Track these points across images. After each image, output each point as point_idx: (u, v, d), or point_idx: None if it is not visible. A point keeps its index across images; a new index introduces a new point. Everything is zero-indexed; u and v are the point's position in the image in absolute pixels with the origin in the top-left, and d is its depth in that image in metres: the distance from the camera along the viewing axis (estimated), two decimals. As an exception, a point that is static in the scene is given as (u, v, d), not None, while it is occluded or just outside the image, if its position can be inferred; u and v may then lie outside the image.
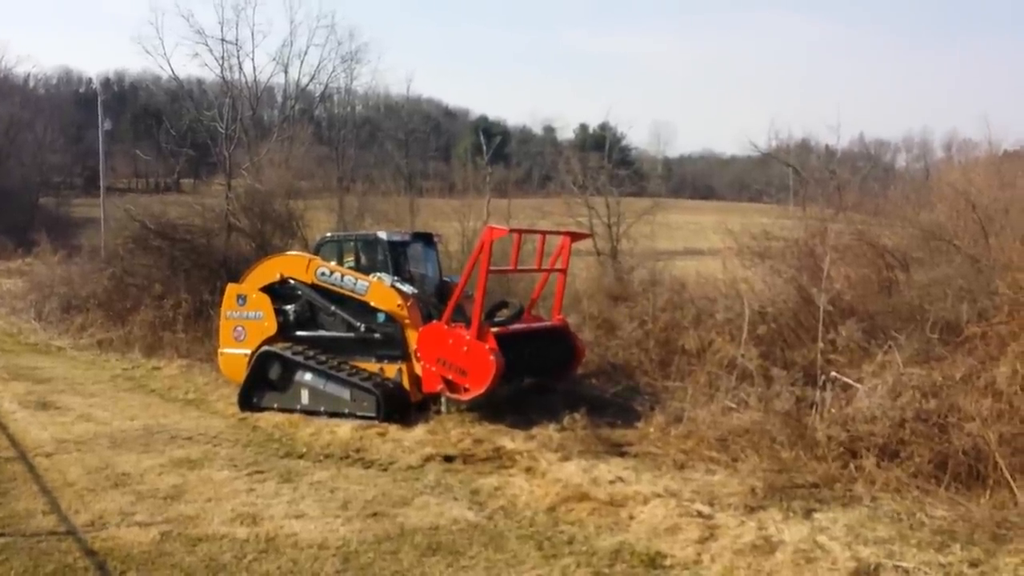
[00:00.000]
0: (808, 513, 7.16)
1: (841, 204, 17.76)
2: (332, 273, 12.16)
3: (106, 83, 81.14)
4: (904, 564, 5.93)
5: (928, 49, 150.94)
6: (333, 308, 12.17)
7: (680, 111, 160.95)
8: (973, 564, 5.92)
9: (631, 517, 7.30)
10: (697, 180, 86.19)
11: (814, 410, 9.03)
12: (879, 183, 24.17)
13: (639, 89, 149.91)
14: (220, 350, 13.43)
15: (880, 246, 12.87)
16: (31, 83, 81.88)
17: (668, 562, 6.33)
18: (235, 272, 17.89)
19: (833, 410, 8.80)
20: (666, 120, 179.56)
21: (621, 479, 8.28)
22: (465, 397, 10.78)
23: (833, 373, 9.60)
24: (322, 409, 11.70)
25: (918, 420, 7.99)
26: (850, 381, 9.25)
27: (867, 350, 10.06)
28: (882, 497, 7.43)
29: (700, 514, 7.16)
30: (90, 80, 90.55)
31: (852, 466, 7.93)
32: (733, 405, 9.77)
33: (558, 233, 13.44)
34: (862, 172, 28.16)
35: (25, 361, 18.42)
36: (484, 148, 38.75)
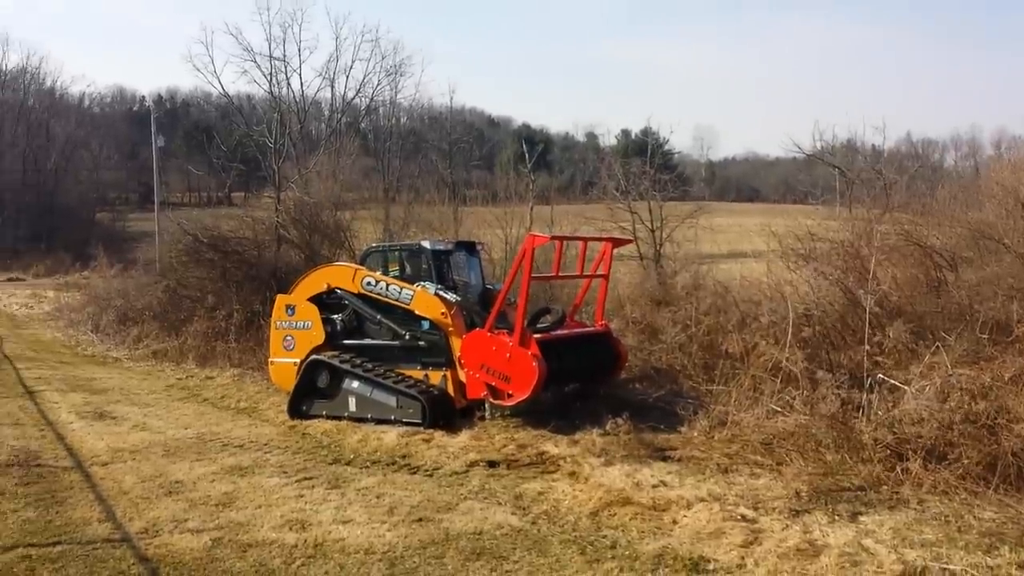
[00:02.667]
0: (854, 516, 7.10)
1: (888, 204, 17.55)
2: (377, 283, 12.35)
3: (159, 100, 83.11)
4: (951, 567, 5.86)
5: (976, 46, 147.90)
6: (379, 317, 12.36)
7: (722, 114, 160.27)
8: (1022, 566, 5.83)
9: (674, 522, 7.31)
10: (741, 183, 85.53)
11: (860, 413, 8.94)
12: (927, 183, 23.76)
13: (681, 94, 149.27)
14: (270, 359, 13.72)
15: (928, 246, 12.70)
16: (86, 102, 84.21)
17: (711, 567, 6.31)
18: (285, 283, 18.23)
19: (880, 412, 8.71)
20: (708, 124, 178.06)
21: (664, 483, 8.28)
22: (509, 403, 10.87)
23: (880, 375, 9.50)
24: (369, 416, 11.87)
25: (966, 422, 7.88)
26: (897, 383, 9.14)
27: (915, 351, 9.94)
28: (929, 499, 7.34)
29: (744, 518, 7.13)
30: (143, 98, 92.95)
31: (899, 468, 7.84)
32: (778, 408, 9.70)
33: (600, 239, 13.47)
34: (909, 172, 27.68)
35: (82, 372, 18.94)
36: (527, 156, 38.85)
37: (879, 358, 10.09)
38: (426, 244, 12.93)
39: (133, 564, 6.74)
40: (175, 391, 16.16)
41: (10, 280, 50.59)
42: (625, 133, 75.08)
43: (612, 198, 27.39)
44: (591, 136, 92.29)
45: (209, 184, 75.58)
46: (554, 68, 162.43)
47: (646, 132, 40.67)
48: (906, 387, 8.88)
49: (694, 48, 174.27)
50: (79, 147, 70.83)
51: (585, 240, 13.38)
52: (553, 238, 11.95)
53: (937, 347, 9.40)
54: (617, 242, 13.32)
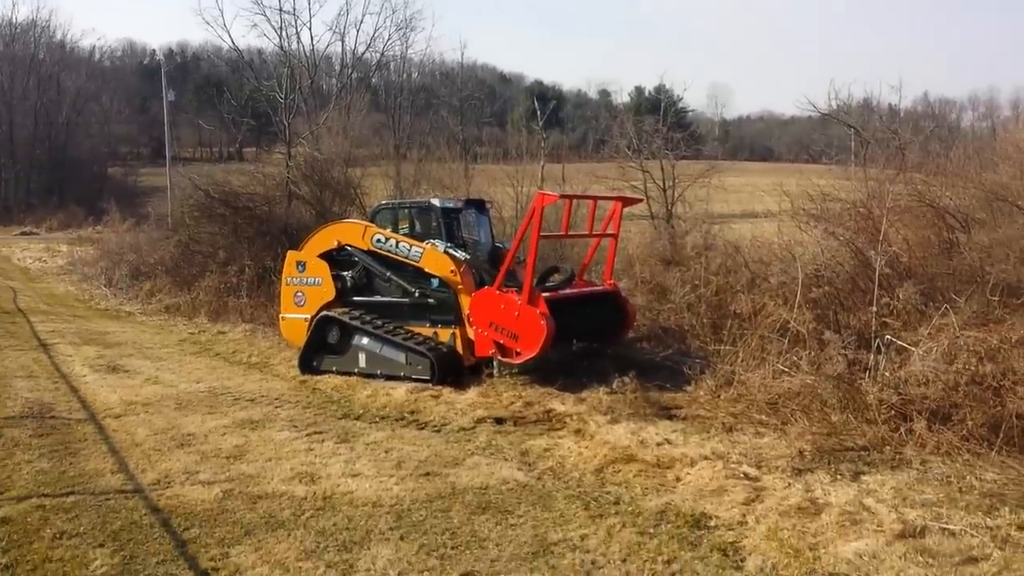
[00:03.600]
0: (856, 476, 7.15)
1: (903, 165, 17.37)
2: (387, 240, 12.38)
3: (169, 54, 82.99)
4: (951, 526, 5.91)
5: (995, 4, 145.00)
6: (389, 274, 12.42)
7: (737, 72, 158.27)
8: (1021, 527, 5.86)
9: (677, 479, 7.39)
10: (755, 142, 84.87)
11: (867, 373, 8.95)
12: (943, 143, 23.46)
13: (696, 50, 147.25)
14: (281, 315, 13.83)
15: (941, 207, 12.59)
16: (96, 55, 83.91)
17: (713, 523, 6.39)
18: (296, 239, 18.28)
19: (886, 373, 8.71)
20: (723, 82, 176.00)
21: (669, 441, 8.36)
22: (517, 361, 10.94)
23: (888, 336, 9.50)
24: (378, 372, 11.99)
25: (972, 383, 7.88)
26: (905, 344, 9.13)
27: (924, 313, 9.90)
28: (932, 460, 7.37)
29: (747, 476, 7.20)
30: (153, 52, 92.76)
31: (902, 429, 7.87)
32: (784, 368, 9.71)
33: (609, 198, 13.44)
34: (925, 132, 27.34)
35: (96, 326, 19.13)
36: (538, 113, 38.60)
37: (888, 319, 10.07)
38: (436, 202, 12.93)
39: (145, 514, 6.85)
40: (187, 345, 16.33)
41: (24, 234, 50.97)
42: (638, 90, 74.51)
43: (624, 156, 27.24)
44: (604, 93, 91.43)
45: (220, 139, 75.53)
46: (567, 23, 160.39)
47: (659, 90, 40.37)
48: (913, 348, 8.86)
49: (711, 3, 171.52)
50: (90, 100, 70.64)
51: (595, 199, 13.36)
52: (562, 196, 11.92)
53: (946, 309, 9.37)
54: (627, 201, 13.28)
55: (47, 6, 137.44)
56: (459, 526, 6.50)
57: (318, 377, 12.44)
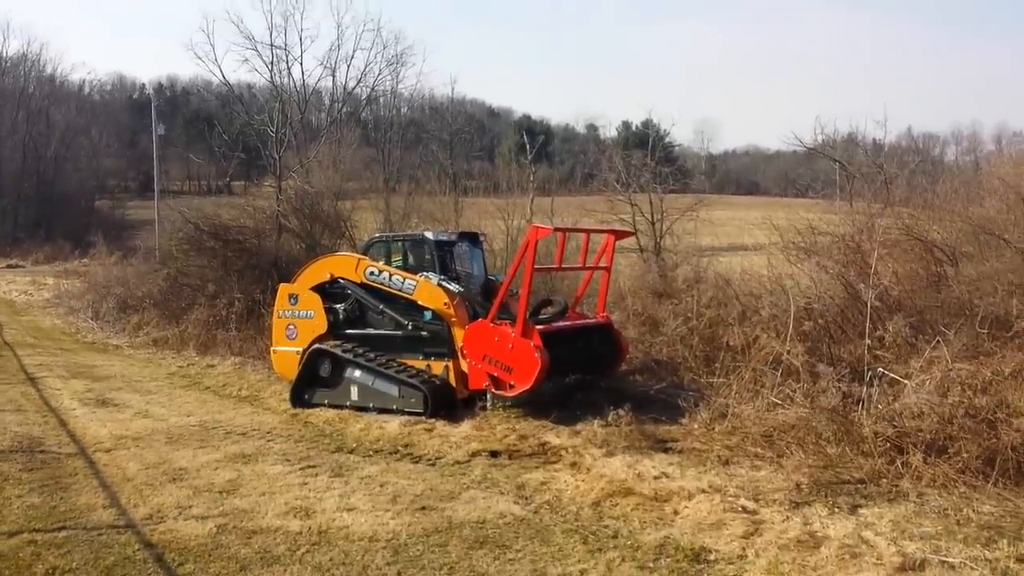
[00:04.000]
0: (854, 509, 7.15)
1: (889, 199, 17.55)
2: (381, 272, 12.39)
3: (159, 88, 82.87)
4: (950, 559, 5.92)
5: (977, 41, 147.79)
6: (382, 307, 12.39)
7: (724, 108, 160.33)
8: (1020, 559, 5.88)
9: (675, 512, 7.37)
10: (742, 176, 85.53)
11: (860, 406, 8.99)
12: (928, 177, 23.72)
13: (682, 86, 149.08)
14: (273, 348, 13.76)
15: (928, 241, 12.72)
16: (86, 89, 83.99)
17: (713, 557, 6.37)
18: (286, 272, 18.30)
19: (880, 406, 8.74)
20: (709, 117, 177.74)
21: (666, 474, 8.34)
22: (510, 393, 10.92)
23: (880, 369, 9.54)
24: (371, 405, 11.93)
25: (967, 416, 7.92)
26: (897, 377, 9.18)
27: (915, 346, 9.97)
28: (929, 493, 7.39)
29: (745, 509, 7.19)
30: (143, 86, 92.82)
31: (899, 462, 7.88)
32: (778, 401, 9.74)
33: (602, 231, 13.51)
34: (910, 166, 27.64)
35: (83, 359, 18.98)
36: (527, 147, 38.80)
37: (880, 352, 10.12)
38: (429, 235, 12.97)
39: (139, 550, 6.77)
40: (176, 379, 16.21)
41: (9, 267, 50.54)
42: (626, 125, 74.96)
43: (612, 190, 27.40)
44: (592, 128, 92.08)
45: (209, 172, 75.48)
46: (555, 58, 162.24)
47: (647, 124, 40.77)
48: (906, 381, 8.91)
49: (697, 39, 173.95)
50: (79, 134, 70.59)
51: (588, 232, 13.42)
52: (556, 230, 11.99)
53: (938, 342, 9.44)
54: (619, 234, 13.36)
55: (38, 40, 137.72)
56: (457, 561, 6.44)
57: (310, 410, 12.36)
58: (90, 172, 72.22)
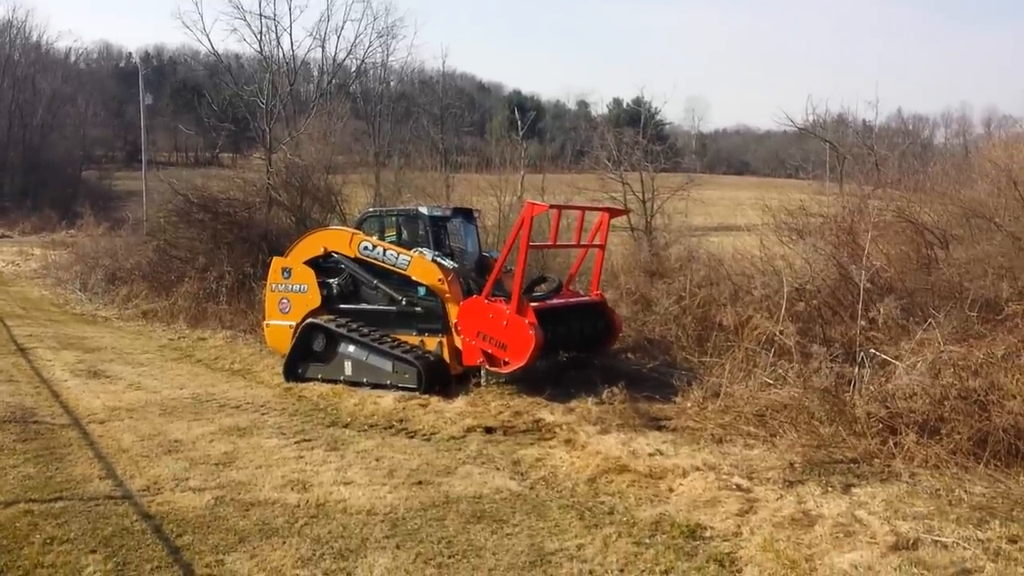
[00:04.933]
0: (847, 488, 7.23)
1: (880, 180, 17.62)
2: (375, 247, 12.36)
3: (145, 57, 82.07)
4: (943, 539, 6.00)
5: (967, 24, 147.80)
6: (375, 282, 12.38)
7: (714, 85, 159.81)
8: (1012, 540, 5.97)
9: (670, 489, 7.44)
10: (732, 155, 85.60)
11: (852, 387, 9.07)
12: (918, 159, 23.84)
13: (674, 64, 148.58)
14: (266, 322, 13.75)
15: (920, 223, 12.78)
16: (72, 58, 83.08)
17: (708, 533, 6.44)
18: (276, 245, 18.24)
19: (872, 387, 8.82)
20: (700, 95, 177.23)
21: (660, 452, 8.41)
22: (504, 370, 10.95)
23: (872, 350, 9.62)
24: (365, 380, 11.95)
25: (959, 398, 8.01)
26: (889, 358, 9.26)
27: (906, 327, 10.05)
28: (921, 473, 7.48)
29: (739, 487, 7.26)
30: (130, 55, 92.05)
31: (891, 442, 7.96)
32: (771, 381, 9.80)
33: (597, 209, 13.52)
34: (900, 148, 27.76)
35: (73, 331, 18.90)
36: (518, 123, 38.64)
37: (871, 333, 10.20)
38: (424, 210, 12.94)
39: (136, 520, 6.79)
40: (168, 351, 16.18)
41: (-4, 236, 50.24)
42: (617, 102, 74.64)
43: (604, 168, 27.38)
44: (583, 104, 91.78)
45: (197, 144, 74.92)
46: (546, 32, 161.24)
47: (638, 102, 40.50)
48: (898, 363, 8.99)
49: (689, 16, 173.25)
50: (65, 103, 69.99)
51: (584, 209, 13.42)
52: (552, 206, 11.98)
53: (929, 324, 9.52)
54: (614, 212, 13.39)
55: (23, 6, 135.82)
56: (455, 535, 6.50)
57: (303, 385, 12.38)
58: (77, 141, 71.66)
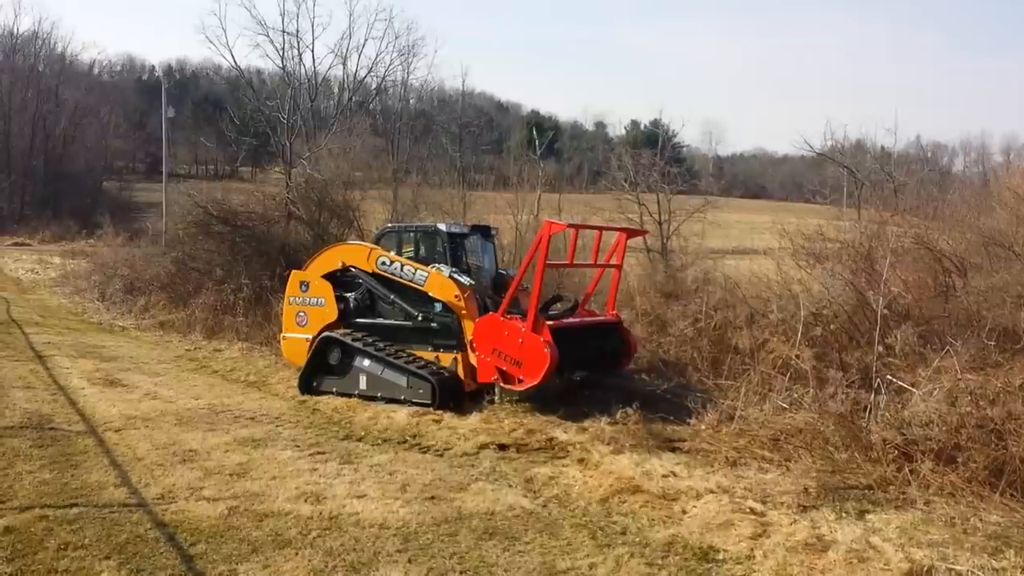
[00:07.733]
0: (861, 514, 7.20)
1: (898, 207, 17.59)
2: (392, 263, 12.44)
3: (168, 71, 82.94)
4: (957, 567, 5.96)
5: (987, 52, 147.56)
6: (392, 297, 12.46)
7: (731, 109, 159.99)
8: (1027, 570, 5.94)
9: (684, 511, 7.41)
10: (748, 179, 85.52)
11: (868, 413, 9.03)
12: (936, 187, 23.76)
13: (691, 86, 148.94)
14: (283, 334, 13.83)
15: (938, 250, 12.77)
16: (96, 70, 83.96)
17: (721, 556, 6.42)
18: (294, 259, 18.35)
19: (888, 413, 8.78)
20: (717, 118, 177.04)
21: (674, 474, 8.38)
22: (519, 388, 10.97)
23: (888, 376, 9.58)
24: (379, 395, 11.99)
25: (975, 426, 7.96)
26: (905, 385, 9.22)
27: (923, 355, 10.02)
28: (936, 501, 7.43)
29: (753, 511, 7.23)
30: (153, 68, 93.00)
31: (907, 469, 7.91)
32: (786, 405, 9.77)
33: (614, 229, 13.56)
34: (919, 175, 27.66)
35: (91, 339, 19.04)
36: (536, 143, 38.83)
37: (888, 360, 10.16)
38: (442, 227, 13.00)
39: (150, 528, 6.83)
40: (184, 362, 16.27)
41: (16, 245, 50.68)
42: (635, 124, 74.87)
43: (620, 188, 27.42)
44: (600, 125, 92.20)
45: (217, 157, 75.58)
46: (565, 55, 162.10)
47: (656, 124, 40.82)
48: (914, 390, 8.95)
49: (707, 40, 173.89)
50: (88, 114, 70.71)
51: (600, 229, 13.45)
52: (570, 226, 12.02)
53: (946, 351, 9.48)
54: (632, 233, 13.41)
55: (49, 18, 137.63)
56: (467, 551, 6.50)
57: (318, 398, 12.42)
58: (98, 152, 72.41)
